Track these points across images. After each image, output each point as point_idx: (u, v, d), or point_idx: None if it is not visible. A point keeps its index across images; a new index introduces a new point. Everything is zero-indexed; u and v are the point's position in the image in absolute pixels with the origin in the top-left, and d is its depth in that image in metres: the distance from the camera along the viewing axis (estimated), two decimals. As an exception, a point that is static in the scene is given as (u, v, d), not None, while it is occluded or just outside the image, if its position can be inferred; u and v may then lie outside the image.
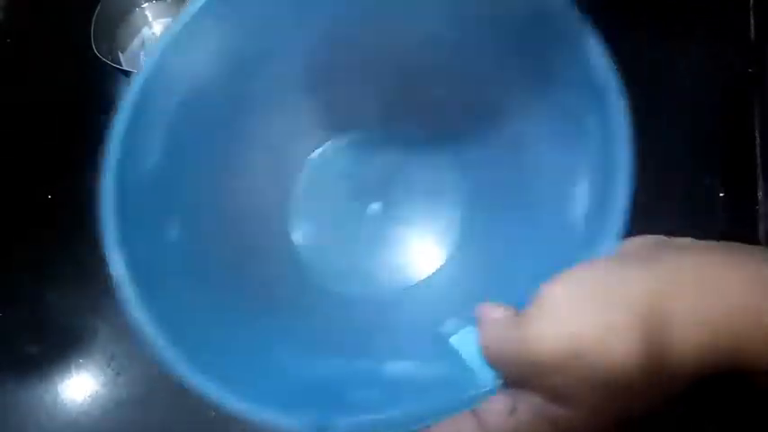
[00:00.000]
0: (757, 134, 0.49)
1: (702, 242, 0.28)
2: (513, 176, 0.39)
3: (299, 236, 0.43)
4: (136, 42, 0.55)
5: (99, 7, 0.50)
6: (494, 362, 0.27)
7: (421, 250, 0.42)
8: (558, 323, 0.25)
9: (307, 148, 0.44)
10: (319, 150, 0.44)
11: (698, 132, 0.50)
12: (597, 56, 0.32)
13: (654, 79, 0.51)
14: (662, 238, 0.29)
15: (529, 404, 0.26)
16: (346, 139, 0.44)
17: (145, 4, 0.55)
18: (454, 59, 0.38)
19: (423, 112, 0.42)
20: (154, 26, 0.55)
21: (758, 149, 0.49)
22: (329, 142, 0.44)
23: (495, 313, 0.28)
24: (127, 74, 0.52)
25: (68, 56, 0.54)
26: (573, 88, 0.33)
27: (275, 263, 0.41)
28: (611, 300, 0.25)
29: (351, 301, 0.41)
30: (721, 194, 0.48)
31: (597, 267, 0.27)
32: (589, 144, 0.33)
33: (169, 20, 0.55)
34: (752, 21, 0.53)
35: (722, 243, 0.27)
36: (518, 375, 0.26)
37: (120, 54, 0.54)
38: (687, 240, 0.28)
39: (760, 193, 0.48)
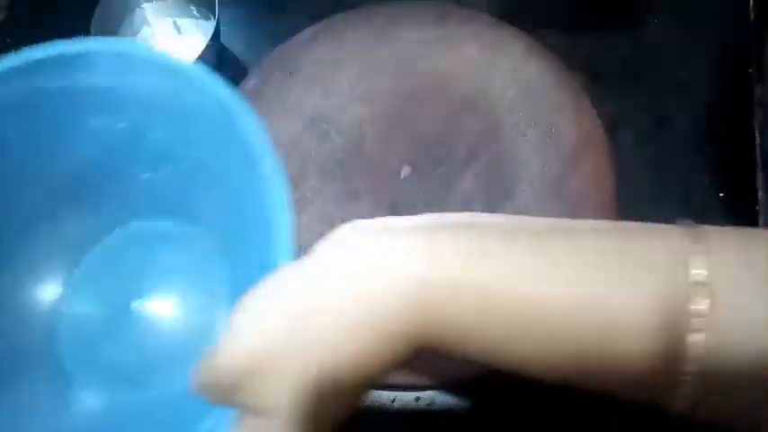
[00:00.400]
0: (757, 134, 0.49)
1: (385, 226, 0.27)
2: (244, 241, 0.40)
3: (65, 351, 0.43)
4: (136, 42, 0.55)
5: (99, 7, 0.51)
6: (206, 397, 0.28)
7: (189, 338, 0.43)
8: (235, 342, 0.26)
9: (64, 263, 0.45)
10: (77, 263, 0.45)
11: (698, 132, 0.50)
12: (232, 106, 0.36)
13: (654, 79, 0.51)
14: (354, 224, 0.29)
15: (247, 426, 0.27)
16: (99, 248, 0.46)
17: (145, 4, 0.55)
18: (143, 147, 0.42)
19: (144, 199, 0.45)
20: (154, 26, 0.55)
21: (758, 149, 0.49)
22: (88, 252, 0.46)
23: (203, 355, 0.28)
24: (127, 74, 0.52)
25: (68, 56, 0.54)
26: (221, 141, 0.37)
27: (44, 407, 0.41)
28: (271, 308, 0.26)
29: (124, 412, 0.42)
30: (721, 194, 0.48)
31: (268, 281, 0.27)
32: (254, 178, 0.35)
33: (169, 20, 0.55)
34: (752, 20, 0.53)
35: (409, 227, 0.27)
36: (232, 402, 0.27)
37: (120, 54, 0.54)
38: (369, 225, 0.28)
39: (760, 193, 0.48)
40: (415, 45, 0.51)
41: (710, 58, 0.52)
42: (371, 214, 0.47)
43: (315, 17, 0.53)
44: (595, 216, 0.46)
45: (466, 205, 0.47)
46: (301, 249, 0.46)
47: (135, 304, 0.44)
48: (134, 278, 0.45)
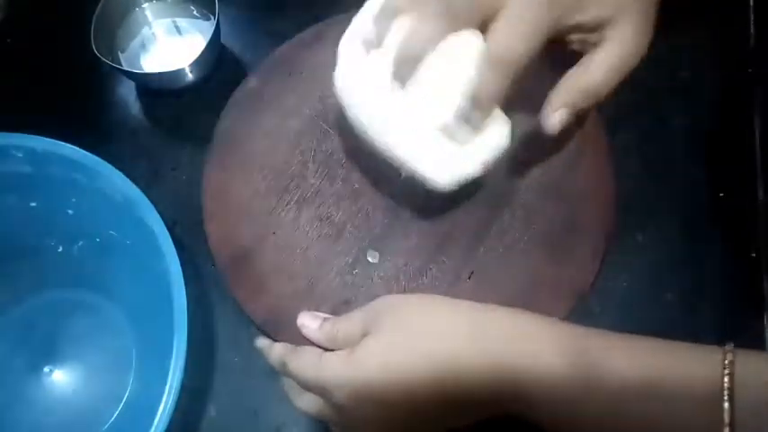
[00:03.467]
0: (757, 134, 0.49)
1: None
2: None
3: None
4: (136, 42, 0.55)
5: (99, 7, 0.51)
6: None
7: (99, 404, 0.46)
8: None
9: None
10: None
11: (698, 132, 0.50)
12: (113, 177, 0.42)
13: (654, 79, 0.51)
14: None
15: None
16: (12, 315, 0.48)
17: (145, 4, 0.55)
18: (58, 223, 0.46)
19: (58, 270, 0.48)
20: (154, 26, 0.55)
21: (758, 149, 0.49)
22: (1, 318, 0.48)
23: None
24: (127, 74, 0.52)
25: (68, 56, 0.54)
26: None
27: None
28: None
29: None
30: (721, 194, 0.48)
31: None
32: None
33: (169, 20, 0.55)
34: (752, 20, 0.53)
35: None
36: None
37: (120, 54, 0.54)
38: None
39: (760, 193, 0.48)
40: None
41: (710, 58, 0.52)
42: (371, 214, 0.48)
43: (315, 18, 0.53)
44: (595, 215, 0.46)
45: (466, 205, 0.47)
46: (296, 248, 0.46)
47: (46, 370, 0.47)
48: (46, 345, 0.48)
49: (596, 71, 0.38)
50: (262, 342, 0.40)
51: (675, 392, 0.30)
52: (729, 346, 0.30)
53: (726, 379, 0.29)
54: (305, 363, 0.36)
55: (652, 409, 0.30)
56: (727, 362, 0.29)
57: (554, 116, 0.39)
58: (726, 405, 0.28)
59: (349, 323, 0.37)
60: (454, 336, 0.33)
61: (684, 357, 0.31)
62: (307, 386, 0.36)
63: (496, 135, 0.39)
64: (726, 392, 0.28)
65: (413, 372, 0.33)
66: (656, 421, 0.30)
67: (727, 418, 0.28)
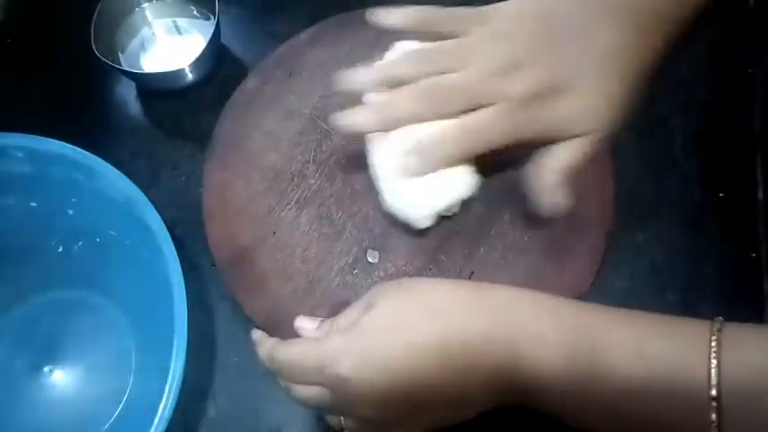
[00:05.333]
0: (757, 134, 0.49)
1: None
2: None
3: None
4: (136, 42, 0.55)
5: (99, 7, 0.51)
6: None
7: (98, 404, 0.46)
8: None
9: None
10: None
11: (697, 132, 0.50)
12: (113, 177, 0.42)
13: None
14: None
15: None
16: (12, 315, 0.48)
17: (145, 4, 0.55)
18: (57, 223, 0.47)
19: (58, 270, 0.48)
20: (154, 26, 0.55)
21: (758, 149, 0.49)
22: (2, 318, 0.48)
23: None
24: (127, 74, 0.52)
25: (68, 56, 0.54)
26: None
27: None
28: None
29: None
30: (721, 194, 0.48)
31: None
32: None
33: (169, 20, 0.55)
34: (752, 20, 0.53)
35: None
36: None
37: (120, 54, 0.54)
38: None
39: (760, 193, 0.48)
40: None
41: (710, 58, 0.52)
42: (370, 214, 0.48)
43: (315, 18, 0.53)
44: (595, 215, 0.46)
45: (465, 205, 0.47)
46: (296, 248, 0.46)
47: (46, 370, 0.47)
48: (46, 345, 0.47)
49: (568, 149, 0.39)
50: (256, 334, 0.40)
51: (669, 362, 0.31)
52: (719, 318, 0.31)
53: (713, 343, 0.30)
54: (301, 348, 0.36)
55: (648, 379, 0.31)
56: (715, 329, 0.30)
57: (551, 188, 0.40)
58: (713, 366, 0.29)
59: (348, 318, 0.37)
60: (458, 308, 0.34)
61: (677, 327, 0.32)
62: (299, 375, 0.36)
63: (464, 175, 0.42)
64: (713, 354, 0.30)
65: (417, 339, 0.32)
66: (652, 391, 0.31)
67: (714, 378, 0.29)
